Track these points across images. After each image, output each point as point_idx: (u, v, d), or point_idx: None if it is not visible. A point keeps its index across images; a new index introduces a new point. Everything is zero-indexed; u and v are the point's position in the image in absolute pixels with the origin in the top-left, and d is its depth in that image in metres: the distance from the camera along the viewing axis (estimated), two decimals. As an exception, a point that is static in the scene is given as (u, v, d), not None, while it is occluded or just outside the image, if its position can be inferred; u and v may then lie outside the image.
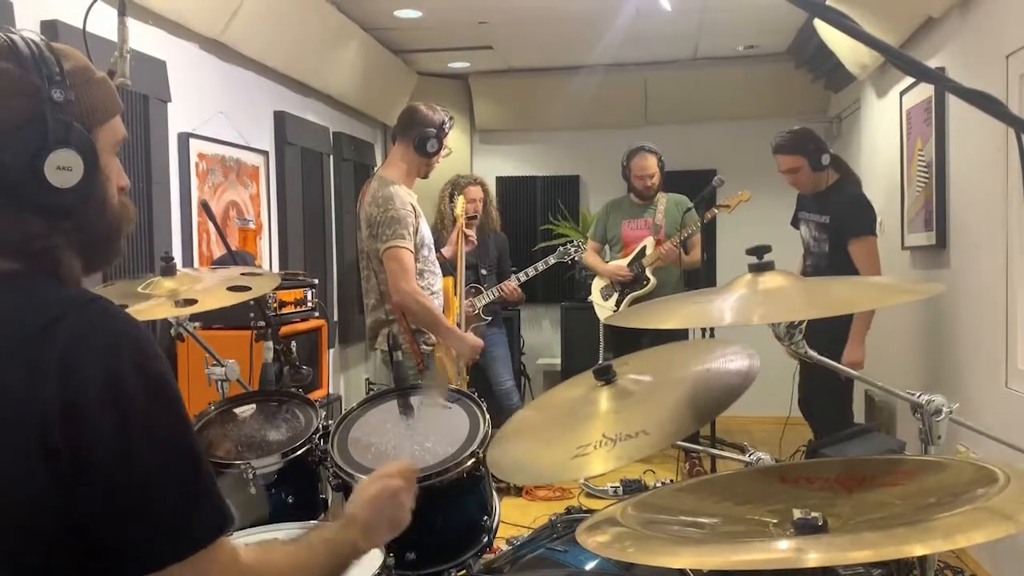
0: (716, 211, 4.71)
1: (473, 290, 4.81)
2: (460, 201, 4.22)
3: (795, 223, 4.18)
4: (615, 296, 4.89)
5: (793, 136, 3.90)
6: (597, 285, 5.05)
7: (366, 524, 1.24)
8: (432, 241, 3.30)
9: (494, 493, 2.10)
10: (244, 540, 1.72)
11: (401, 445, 2.06)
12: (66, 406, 0.89)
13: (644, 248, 4.85)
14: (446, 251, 4.55)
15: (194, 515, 0.96)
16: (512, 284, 4.87)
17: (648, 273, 4.79)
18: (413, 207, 3.14)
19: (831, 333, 3.59)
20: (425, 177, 3.33)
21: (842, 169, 3.98)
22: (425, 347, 3.17)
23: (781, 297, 1.43)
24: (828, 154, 3.87)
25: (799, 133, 3.92)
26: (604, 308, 4.96)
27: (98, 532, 0.92)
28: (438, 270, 3.29)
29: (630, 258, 4.88)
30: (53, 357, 0.90)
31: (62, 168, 1.00)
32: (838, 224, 3.83)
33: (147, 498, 0.92)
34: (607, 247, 5.08)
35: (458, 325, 3.69)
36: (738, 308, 1.42)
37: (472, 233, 4.69)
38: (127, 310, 2.05)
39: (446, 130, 3.27)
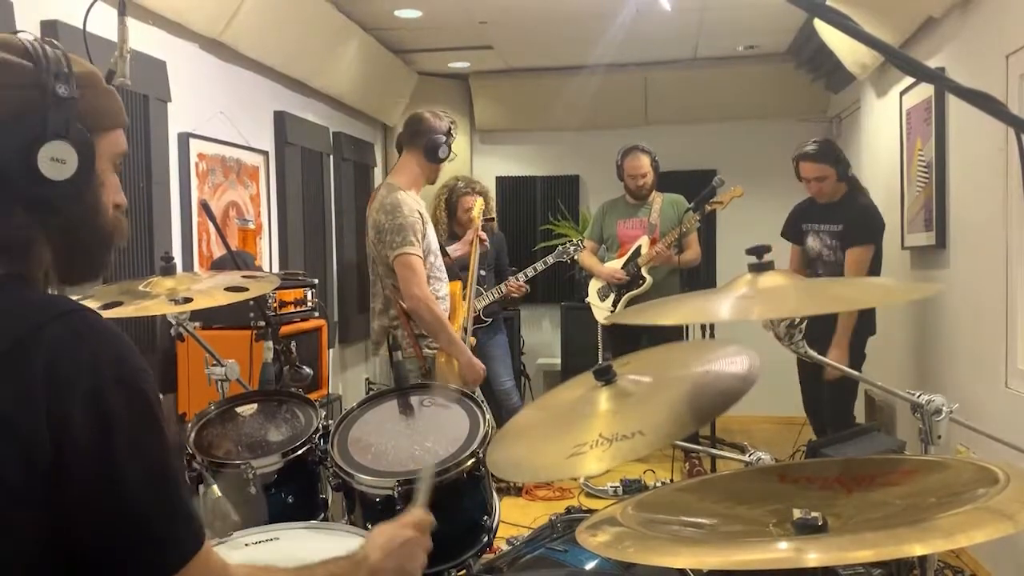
0: (708, 208, 4.71)
1: (474, 292, 4.80)
2: (478, 203, 4.22)
3: (793, 235, 4.24)
4: (612, 296, 4.88)
5: (820, 146, 4.03)
6: (594, 286, 5.04)
7: (375, 567, 1.22)
8: (439, 247, 3.32)
9: (494, 493, 2.10)
10: (244, 540, 1.72)
11: (401, 445, 2.07)
12: (52, 420, 0.88)
13: (639, 248, 4.84)
14: (452, 250, 4.51)
15: (180, 527, 0.96)
16: (516, 281, 4.87)
17: (644, 272, 4.79)
18: (420, 214, 3.17)
19: (811, 334, 3.62)
20: (432, 183, 3.40)
21: (851, 181, 4.11)
22: (428, 350, 3.18)
23: (780, 294, 1.44)
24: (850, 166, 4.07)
25: (825, 144, 4.08)
26: (601, 309, 4.95)
27: (85, 548, 0.91)
28: (444, 275, 3.31)
29: (625, 258, 4.87)
30: (38, 370, 0.89)
31: (56, 160, 1.00)
32: (849, 231, 3.96)
33: (134, 512, 0.92)
34: (604, 247, 5.08)
35: (464, 330, 3.68)
36: (737, 305, 1.43)
37: (486, 237, 4.69)
38: (126, 308, 2.07)
39: (453, 135, 3.33)
